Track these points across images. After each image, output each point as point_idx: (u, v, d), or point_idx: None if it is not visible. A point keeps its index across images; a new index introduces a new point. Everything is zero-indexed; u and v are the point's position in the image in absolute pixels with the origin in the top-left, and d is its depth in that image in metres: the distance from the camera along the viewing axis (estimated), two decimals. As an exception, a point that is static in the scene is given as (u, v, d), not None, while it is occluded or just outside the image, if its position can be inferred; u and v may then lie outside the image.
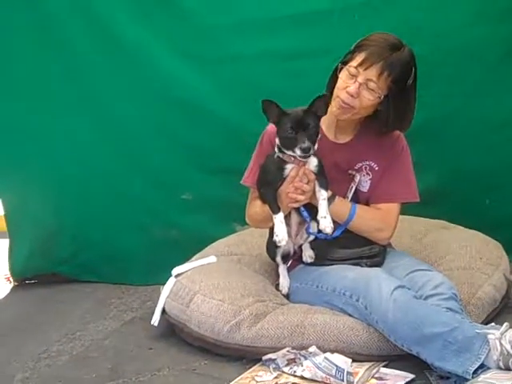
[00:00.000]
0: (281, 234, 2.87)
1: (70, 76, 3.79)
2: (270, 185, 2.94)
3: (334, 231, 2.96)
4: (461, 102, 3.67)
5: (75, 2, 3.73)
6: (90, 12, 3.72)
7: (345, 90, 2.90)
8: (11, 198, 4.06)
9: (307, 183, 2.88)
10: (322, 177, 2.90)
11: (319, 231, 2.94)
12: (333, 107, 2.97)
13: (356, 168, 3.08)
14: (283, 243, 2.89)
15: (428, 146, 3.65)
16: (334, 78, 2.99)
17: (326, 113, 2.87)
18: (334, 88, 2.97)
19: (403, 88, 2.92)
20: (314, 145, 2.80)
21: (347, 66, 2.90)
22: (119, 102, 3.84)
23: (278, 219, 2.89)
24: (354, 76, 2.88)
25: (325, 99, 2.84)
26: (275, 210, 2.90)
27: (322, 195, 2.89)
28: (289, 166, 2.89)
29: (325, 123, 3.07)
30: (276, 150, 2.92)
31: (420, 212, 3.62)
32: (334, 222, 2.98)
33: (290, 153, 2.84)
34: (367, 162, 3.08)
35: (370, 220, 3.06)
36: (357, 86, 2.87)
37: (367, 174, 3.08)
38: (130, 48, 3.76)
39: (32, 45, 3.75)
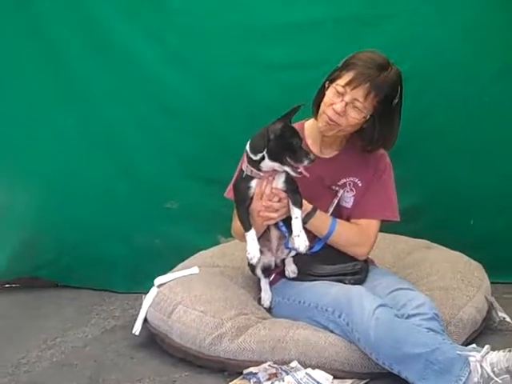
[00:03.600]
0: (252, 252, 2.86)
1: (58, 80, 3.77)
2: (240, 203, 2.93)
3: (313, 246, 2.99)
4: (446, 120, 3.67)
5: (66, 4, 3.70)
6: (80, 13, 3.69)
7: (331, 107, 2.91)
8: (-6, 200, 4.03)
9: (279, 201, 2.87)
10: (295, 193, 2.88)
11: None
12: (319, 123, 3.00)
13: (340, 184, 3.09)
14: (255, 261, 2.88)
15: (412, 163, 3.66)
16: (320, 94, 3.00)
17: None
18: (320, 104, 2.99)
19: (389, 108, 2.94)
20: None
21: (334, 84, 2.92)
22: (106, 108, 3.82)
23: (250, 237, 2.88)
24: (341, 94, 2.89)
25: (296, 110, 2.82)
26: (247, 227, 2.89)
27: (295, 214, 2.86)
28: (253, 184, 2.88)
29: (310, 137, 3.10)
30: (244, 167, 2.89)
31: (403, 230, 3.64)
32: (314, 236, 3.01)
33: (284, 168, 2.80)
34: (351, 178, 3.10)
35: (349, 235, 3.07)
36: (343, 105, 2.88)
37: (351, 190, 3.10)
38: (119, 52, 3.74)
39: (20, 45, 3.72)
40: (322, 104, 2.97)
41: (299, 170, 2.79)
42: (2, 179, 3.96)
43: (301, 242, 2.83)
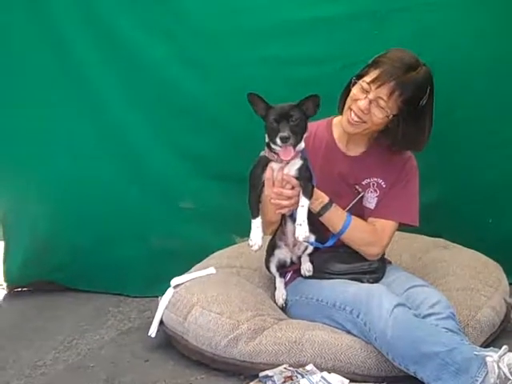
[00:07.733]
0: (255, 239, 2.84)
1: (71, 83, 3.76)
2: (252, 187, 2.90)
3: (326, 241, 3.00)
4: (464, 118, 3.62)
5: (78, 8, 3.68)
6: (93, 17, 3.68)
7: (356, 103, 2.90)
8: (7, 203, 4.03)
9: (292, 189, 2.84)
10: (307, 182, 2.85)
11: (316, 240, 2.96)
12: (343, 119, 2.99)
13: (363, 183, 3.08)
14: (255, 248, 2.84)
15: (430, 161, 3.57)
16: (347, 90, 3.00)
17: (314, 113, 2.79)
18: (346, 99, 2.98)
19: (415, 109, 2.90)
20: (297, 138, 2.74)
21: (360, 81, 2.91)
22: (119, 109, 3.81)
23: (255, 224, 2.86)
24: (365, 91, 2.89)
25: (314, 100, 2.76)
26: (254, 214, 2.87)
27: (301, 202, 2.82)
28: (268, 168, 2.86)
29: (337, 133, 3.09)
30: (265, 148, 2.87)
31: (420, 229, 3.56)
32: (328, 231, 3.00)
33: (273, 146, 2.78)
34: (375, 179, 3.08)
35: (363, 234, 3.05)
36: (367, 102, 2.88)
37: (374, 190, 3.08)
38: (132, 54, 3.72)
39: (33, 49, 3.72)
40: (348, 99, 2.96)
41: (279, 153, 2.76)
42: (15, 183, 3.95)
43: (301, 231, 2.79)
